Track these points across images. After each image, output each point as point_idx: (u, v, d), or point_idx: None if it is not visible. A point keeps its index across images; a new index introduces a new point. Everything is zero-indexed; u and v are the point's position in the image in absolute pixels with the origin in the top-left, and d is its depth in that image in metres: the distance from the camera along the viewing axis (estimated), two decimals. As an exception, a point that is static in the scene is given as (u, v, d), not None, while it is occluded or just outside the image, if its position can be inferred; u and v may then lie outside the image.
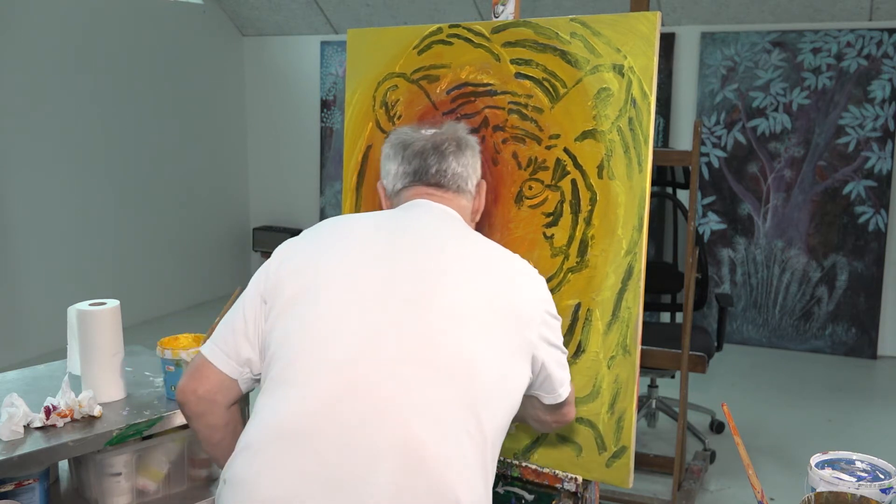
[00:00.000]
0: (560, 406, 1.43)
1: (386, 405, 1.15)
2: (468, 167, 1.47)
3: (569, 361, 1.68)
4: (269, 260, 1.33)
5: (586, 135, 1.66)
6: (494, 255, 1.35)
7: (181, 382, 1.30)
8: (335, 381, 1.17)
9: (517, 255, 1.38)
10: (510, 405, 1.26)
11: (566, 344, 1.68)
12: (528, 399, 1.39)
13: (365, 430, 1.13)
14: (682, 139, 4.93)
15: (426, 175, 1.44)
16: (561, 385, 1.38)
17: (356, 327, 1.21)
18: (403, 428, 1.14)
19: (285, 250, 1.33)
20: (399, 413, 1.15)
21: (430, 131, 1.48)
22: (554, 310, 1.37)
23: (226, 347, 1.28)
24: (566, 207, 1.69)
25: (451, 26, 1.83)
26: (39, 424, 1.64)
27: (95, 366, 1.77)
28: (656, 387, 3.53)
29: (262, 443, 1.17)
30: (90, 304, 1.81)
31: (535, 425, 1.53)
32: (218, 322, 1.44)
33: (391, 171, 1.49)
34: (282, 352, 1.22)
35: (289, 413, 1.17)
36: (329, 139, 5.86)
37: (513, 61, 1.74)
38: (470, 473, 1.16)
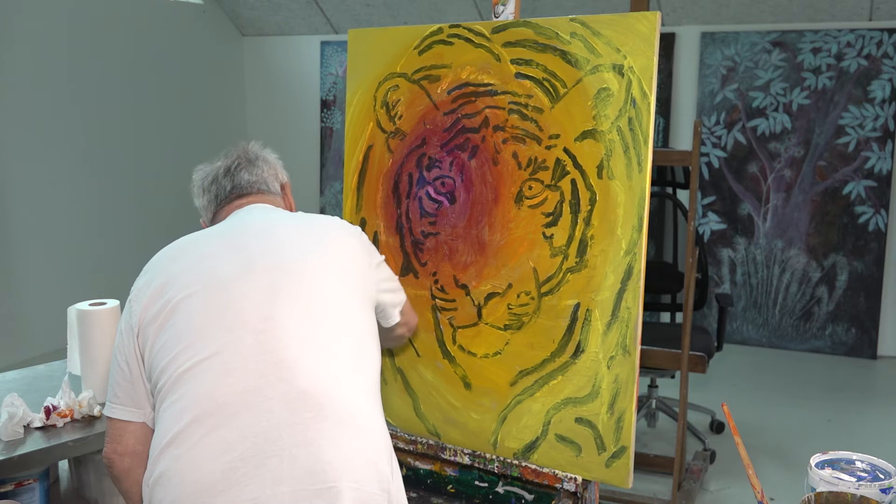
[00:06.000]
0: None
1: (286, 363, 1.26)
2: (262, 174, 1.61)
3: (568, 361, 1.69)
4: (128, 302, 1.39)
5: (586, 135, 1.65)
6: (322, 220, 1.51)
7: (104, 450, 1.37)
8: (236, 351, 1.26)
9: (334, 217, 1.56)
10: (376, 338, 1.47)
11: (565, 344, 1.69)
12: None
13: (273, 388, 1.23)
14: (682, 139, 4.93)
15: (225, 193, 1.58)
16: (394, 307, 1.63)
17: (240, 307, 1.30)
18: (306, 377, 1.25)
19: (141, 284, 1.38)
20: (299, 367, 1.26)
21: (220, 161, 1.63)
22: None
23: (121, 398, 1.35)
24: (566, 207, 1.69)
25: (451, 26, 1.83)
26: (39, 424, 1.64)
27: (95, 366, 1.77)
28: (656, 387, 3.53)
29: (183, 432, 1.22)
30: (90, 304, 1.81)
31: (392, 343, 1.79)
32: None
33: (200, 206, 1.63)
34: (174, 355, 1.27)
35: (200, 398, 1.23)
36: (329, 139, 5.86)
37: (513, 61, 1.74)
38: (365, 396, 1.34)
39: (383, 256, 1.63)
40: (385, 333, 1.66)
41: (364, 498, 1.22)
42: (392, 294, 1.62)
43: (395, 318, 1.64)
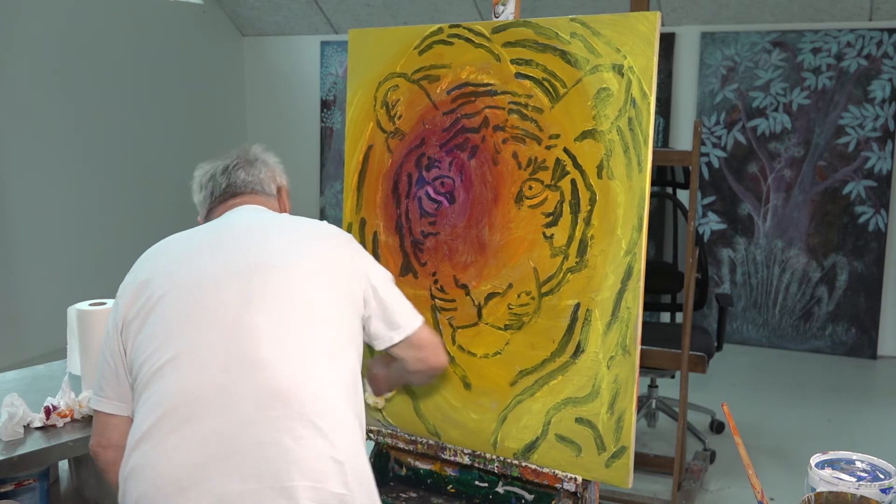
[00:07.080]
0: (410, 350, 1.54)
1: (257, 362, 1.25)
2: (259, 175, 1.62)
3: (568, 361, 1.69)
4: (116, 298, 1.42)
5: (586, 135, 1.66)
6: (312, 224, 1.51)
7: (90, 443, 1.39)
8: (209, 349, 1.27)
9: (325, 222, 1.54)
10: (356, 341, 1.43)
11: (565, 344, 1.69)
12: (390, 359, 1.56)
13: (241, 385, 1.24)
14: (682, 139, 4.93)
15: (220, 190, 1.59)
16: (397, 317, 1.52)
17: (215, 305, 1.30)
18: (276, 377, 1.25)
19: (127, 281, 1.41)
20: (270, 367, 1.26)
21: (221, 160, 1.64)
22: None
23: (106, 392, 1.37)
24: (566, 207, 1.69)
25: (451, 26, 1.83)
26: (39, 424, 1.64)
27: (95, 366, 1.77)
28: (656, 387, 3.53)
29: (154, 428, 1.23)
30: (90, 304, 1.81)
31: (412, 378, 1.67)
32: None
33: (197, 202, 1.64)
34: (151, 351, 1.29)
35: (171, 394, 1.24)
36: (329, 139, 5.86)
37: (513, 61, 1.74)
38: (337, 397, 1.31)
39: (391, 276, 1.54)
40: (401, 367, 1.57)
41: (323, 498, 1.21)
42: (395, 314, 1.50)
43: (393, 339, 1.51)
